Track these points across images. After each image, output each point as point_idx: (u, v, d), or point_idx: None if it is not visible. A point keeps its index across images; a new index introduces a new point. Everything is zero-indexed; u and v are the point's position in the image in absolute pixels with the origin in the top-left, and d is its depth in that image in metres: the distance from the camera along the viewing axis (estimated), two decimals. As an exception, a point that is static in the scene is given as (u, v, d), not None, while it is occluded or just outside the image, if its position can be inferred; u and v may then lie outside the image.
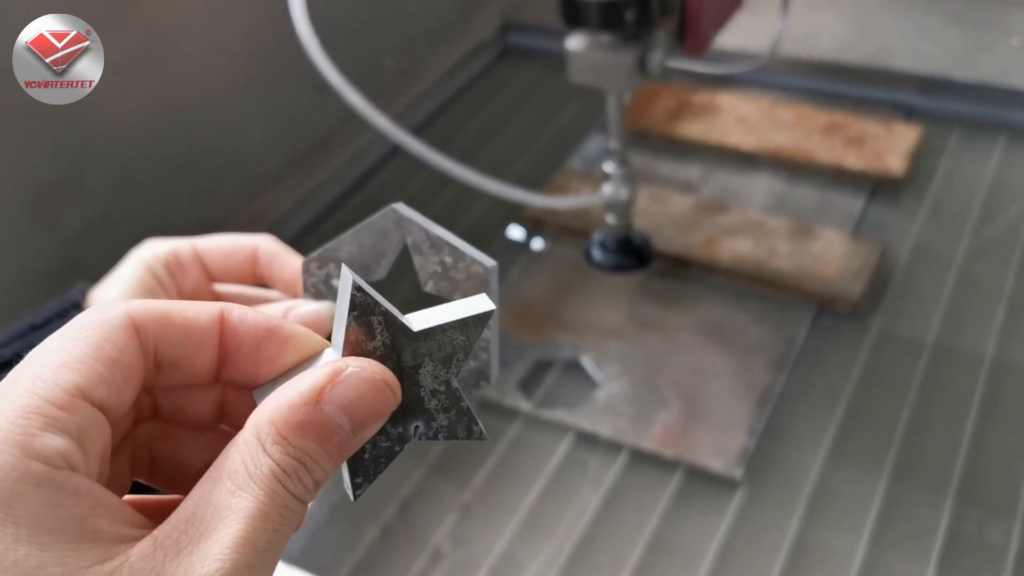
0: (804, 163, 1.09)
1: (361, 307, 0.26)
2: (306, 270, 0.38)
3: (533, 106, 1.27)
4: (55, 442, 0.23)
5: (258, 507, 0.23)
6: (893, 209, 1.05)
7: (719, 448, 0.81)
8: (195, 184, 1.00)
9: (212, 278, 0.43)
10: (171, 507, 0.24)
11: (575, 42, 0.81)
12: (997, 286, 0.94)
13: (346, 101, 0.75)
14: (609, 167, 0.88)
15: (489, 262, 0.29)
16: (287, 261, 0.41)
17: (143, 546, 0.23)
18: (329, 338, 0.28)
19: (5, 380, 0.24)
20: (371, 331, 0.26)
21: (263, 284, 0.43)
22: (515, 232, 1.06)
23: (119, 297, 0.40)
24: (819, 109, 1.16)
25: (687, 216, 1.03)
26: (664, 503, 0.79)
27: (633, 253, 0.94)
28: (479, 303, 0.27)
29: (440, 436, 0.27)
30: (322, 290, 0.38)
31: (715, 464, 0.80)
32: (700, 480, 0.80)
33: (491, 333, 0.31)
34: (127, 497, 0.26)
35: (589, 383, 0.89)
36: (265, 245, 0.42)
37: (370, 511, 0.80)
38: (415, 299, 0.29)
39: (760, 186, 1.09)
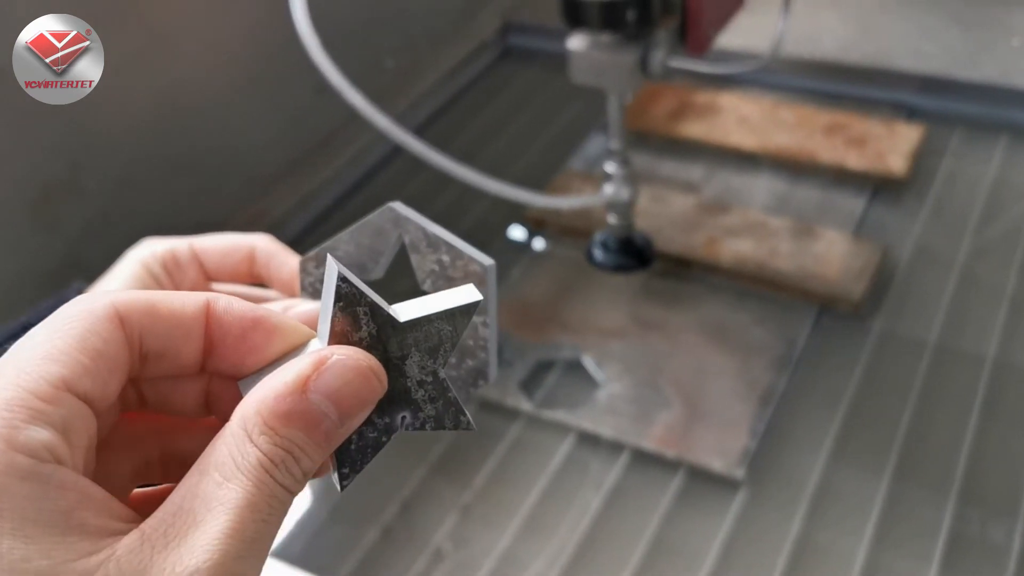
0: (806, 163, 1.09)
1: (347, 298, 0.26)
2: (303, 269, 0.38)
3: (534, 106, 1.27)
4: (40, 435, 0.22)
5: (246, 498, 0.23)
6: (895, 209, 1.05)
7: (721, 448, 0.81)
8: (196, 184, 1.00)
9: (210, 278, 0.43)
10: (160, 500, 0.24)
11: (576, 42, 0.81)
12: (999, 286, 0.94)
13: (347, 101, 0.75)
14: (610, 167, 0.88)
15: (487, 261, 0.29)
16: (284, 261, 0.41)
17: (130, 539, 0.23)
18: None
19: None
20: (357, 321, 0.26)
21: (260, 284, 0.43)
22: (516, 232, 1.06)
23: None
24: (821, 109, 1.15)
25: (688, 216, 1.03)
26: (665, 503, 0.79)
27: (634, 253, 0.94)
28: (466, 293, 0.27)
29: (427, 426, 0.27)
30: (319, 289, 0.38)
31: (717, 464, 0.80)
32: (702, 480, 0.80)
33: (489, 332, 0.31)
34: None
35: (590, 383, 0.89)
36: (263, 245, 0.42)
37: (370, 512, 0.80)
38: (412, 298, 0.29)
39: (761, 186, 1.09)
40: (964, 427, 0.82)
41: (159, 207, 0.96)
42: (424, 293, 0.28)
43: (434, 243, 0.33)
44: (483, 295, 0.28)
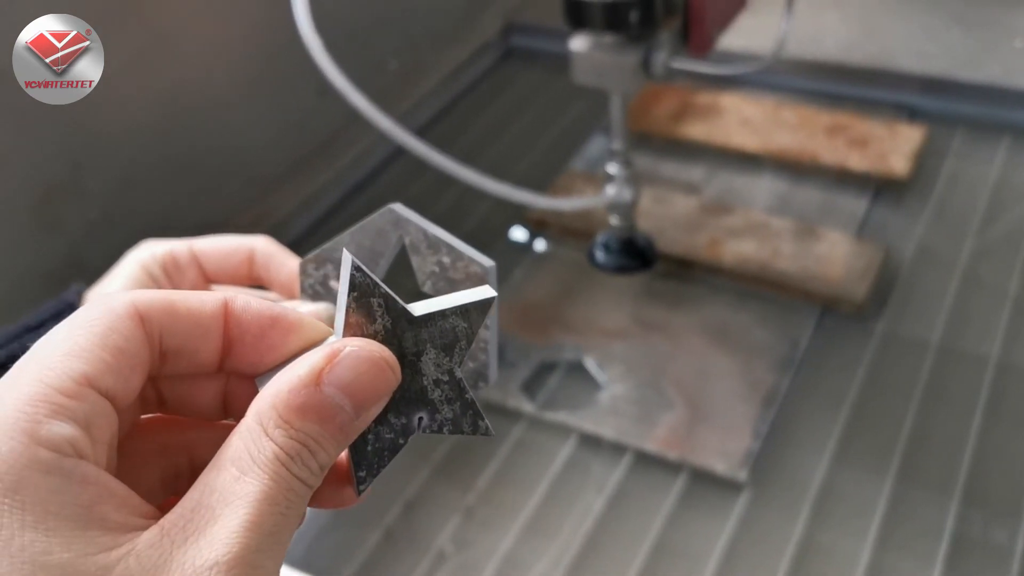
0: (808, 164, 1.09)
1: (361, 288, 0.26)
2: (303, 271, 0.38)
3: (536, 107, 1.27)
4: (63, 429, 0.23)
5: (263, 491, 0.23)
6: (897, 210, 1.04)
7: (723, 450, 0.81)
8: (197, 185, 1.00)
9: (209, 279, 0.43)
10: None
11: (578, 43, 0.81)
12: (1002, 287, 0.94)
13: (349, 102, 0.75)
14: (612, 168, 0.88)
15: (487, 262, 0.29)
16: (284, 262, 0.41)
17: (150, 534, 0.23)
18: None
19: (11, 370, 0.24)
20: (371, 314, 0.26)
21: (260, 286, 0.43)
22: (518, 234, 1.06)
23: None
24: (823, 110, 1.15)
25: (691, 217, 1.03)
26: (668, 505, 0.78)
27: (636, 254, 0.94)
28: (481, 291, 0.27)
29: (445, 429, 0.27)
30: (319, 291, 0.37)
31: (719, 466, 0.80)
32: (704, 482, 0.80)
33: (490, 334, 0.31)
34: None
35: (592, 385, 0.88)
36: (262, 246, 0.42)
37: (373, 514, 0.79)
38: (413, 300, 0.29)
39: (764, 187, 1.09)
40: (967, 428, 0.81)
41: (161, 208, 0.96)
42: (424, 295, 0.28)
43: (434, 245, 0.33)
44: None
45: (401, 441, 0.27)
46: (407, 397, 0.26)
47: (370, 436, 0.26)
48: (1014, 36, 1.24)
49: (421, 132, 1.18)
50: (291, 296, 0.41)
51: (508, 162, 1.16)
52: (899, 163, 1.06)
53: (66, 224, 0.87)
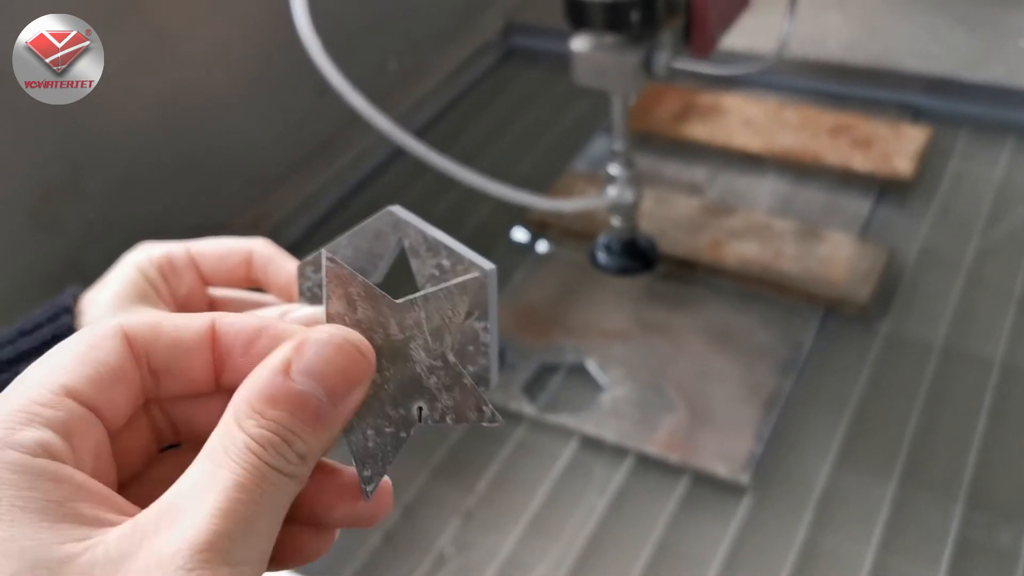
0: (811, 165, 1.08)
1: (336, 278, 0.25)
2: (301, 274, 0.37)
3: (537, 108, 1.26)
4: (35, 433, 0.23)
5: (234, 480, 0.23)
6: (901, 211, 1.04)
7: (725, 453, 0.81)
8: (197, 186, 1.00)
9: (206, 282, 0.42)
10: None
11: (580, 43, 0.81)
12: (1006, 288, 0.94)
13: (349, 103, 0.74)
14: (614, 169, 0.87)
15: (487, 265, 0.28)
16: (282, 265, 0.41)
17: (122, 527, 0.23)
18: None
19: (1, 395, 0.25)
20: (352, 304, 0.26)
21: (258, 288, 0.43)
22: (519, 235, 1.06)
23: (111, 300, 0.39)
24: (826, 110, 1.15)
25: (693, 218, 1.02)
26: (670, 508, 0.78)
27: (638, 256, 0.93)
28: (467, 275, 0.27)
29: (448, 418, 0.26)
30: (317, 294, 0.37)
31: (721, 469, 0.79)
32: (706, 485, 0.80)
33: (490, 337, 0.31)
34: None
35: (594, 387, 0.88)
36: (260, 249, 0.42)
37: (372, 516, 0.79)
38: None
39: (766, 188, 1.08)
40: (972, 430, 0.81)
41: (160, 209, 0.96)
42: None
43: (434, 247, 0.32)
44: (484, 299, 0.27)
45: (403, 434, 0.26)
46: (402, 387, 0.26)
47: (369, 432, 0.26)
48: (1018, 36, 1.23)
49: (421, 132, 1.17)
50: (289, 299, 0.41)
51: (509, 163, 1.15)
52: (903, 164, 1.06)
53: (65, 225, 0.87)
